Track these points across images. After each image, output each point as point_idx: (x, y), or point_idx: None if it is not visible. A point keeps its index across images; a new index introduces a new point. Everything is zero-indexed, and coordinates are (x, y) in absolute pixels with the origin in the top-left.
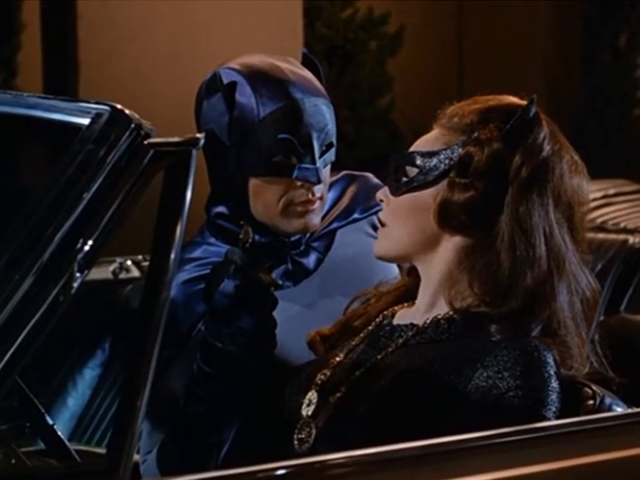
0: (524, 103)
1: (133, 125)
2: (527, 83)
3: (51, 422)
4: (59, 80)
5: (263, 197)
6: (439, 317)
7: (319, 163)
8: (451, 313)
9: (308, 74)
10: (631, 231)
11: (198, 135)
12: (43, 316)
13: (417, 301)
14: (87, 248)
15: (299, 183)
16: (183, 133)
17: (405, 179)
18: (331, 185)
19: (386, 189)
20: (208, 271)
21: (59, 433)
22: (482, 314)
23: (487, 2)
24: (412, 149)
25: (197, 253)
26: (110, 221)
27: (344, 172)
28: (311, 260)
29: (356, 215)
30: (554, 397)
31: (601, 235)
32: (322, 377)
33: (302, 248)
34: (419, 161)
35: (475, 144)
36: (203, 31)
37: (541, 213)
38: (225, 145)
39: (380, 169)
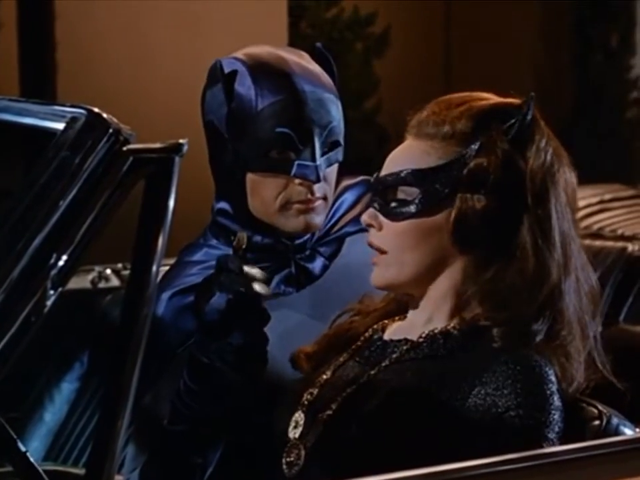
0: (516, 101)
1: (110, 130)
2: (517, 83)
3: (23, 449)
4: (36, 82)
5: (261, 193)
6: (435, 331)
7: (319, 161)
8: (449, 326)
9: (316, 68)
10: (629, 238)
11: (181, 141)
12: (12, 337)
13: (410, 315)
14: (61, 263)
15: (297, 181)
16: (166, 137)
17: (403, 202)
18: (347, 189)
19: (373, 212)
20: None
21: (32, 460)
22: (487, 324)
23: (475, 2)
24: (399, 166)
25: (197, 256)
26: (86, 234)
27: (362, 177)
28: (316, 265)
29: None
30: (556, 416)
31: (598, 242)
32: (308, 396)
33: (307, 252)
34: (418, 181)
35: (481, 154)
36: (186, 31)
37: (557, 214)
38: (224, 137)
39: (367, 173)
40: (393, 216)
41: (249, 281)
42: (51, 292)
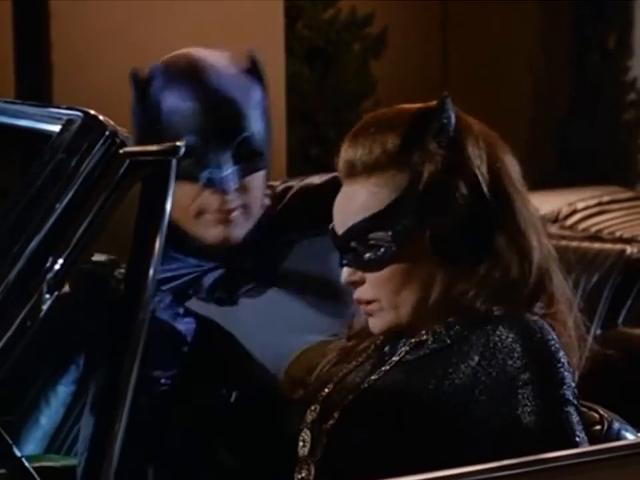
0: (429, 105)
1: (107, 133)
2: (513, 85)
3: (18, 454)
4: (32, 83)
5: (176, 200)
6: (436, 326)
7: (227, 171)
8: (448, 320)
9: (238, 78)
10: (628, 241)
11: (178, 143)
12: (8, 342)
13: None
14: (57, 267)
15: (209, 190)
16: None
17: (377, 249)
18: (312, 188)
19: (350, 270)
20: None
21: (27, 466)
22: (484, 309)
23: (472, 3)
24: (354, 217)
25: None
26: (82, 237)
27: (332, 175)
28: (252, 266)
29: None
30: (568, 373)
31: (597, 245)
32: (312, 413)
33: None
34: (381, 224)
35: (426, 170)
36: (183, 31)
37: (517, 203)
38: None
39: None
40: (372, 266)
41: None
42: (47, 296)
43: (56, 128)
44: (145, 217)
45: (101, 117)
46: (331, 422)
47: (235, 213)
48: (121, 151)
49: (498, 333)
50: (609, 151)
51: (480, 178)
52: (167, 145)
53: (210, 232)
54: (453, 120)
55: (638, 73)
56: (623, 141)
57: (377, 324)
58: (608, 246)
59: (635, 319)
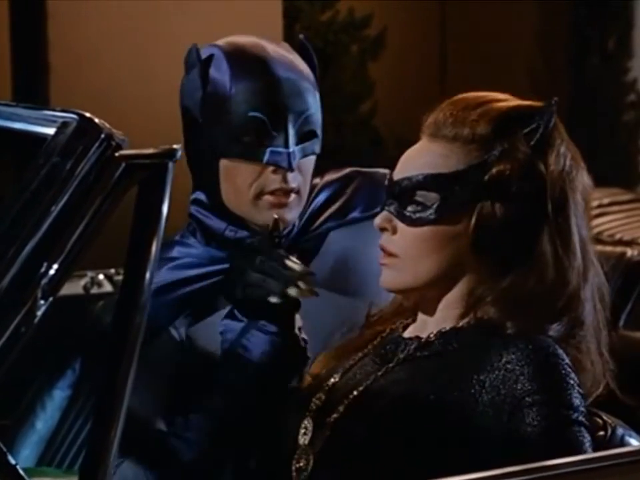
0: (537, 104)
1: (102, 136)
2: (512, 86)
3: (13, 462)
4: (28, 84)
5: (233, 181)
6: (447, 328)
7: (292, 148)
8: (461, 323)
9: (296, 57)
10: (629, 243)
11: (175, 146)
12: (2, 348)
13: (420, 317)
14: (52, 272)
15: (271, 169)
16: (161, 142)
17: (422, 207)
18: (329, 182)
19: (388, 216)
20: (181, 274)
21: (22, 474)
22: (500, 321)
23: (471, 3)
24: (417, 169)
25: (169, 253)
26: (78, 242)
27: (350, 169)
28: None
29: (355, 214)
30: (577, 396)
31: (597, 247)
32: (317, 401)
33: (284, 248)
34: (437, 186)
35: (503, 159)
36: (181, 33)
37: (576, 221)
38: (198, 122)
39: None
40: (410, 221)
41: (292, 278)
42: (42, 302)
43: (51, 131)
44: (141, 222)
45: (96, 120)
46: (335, 415)
47: (292, 197)
48: (116, 154)
49: (509, 352)
50: (609, 152)
51: (548, 186)
52: (164, 147)
53: (264, 215)
54: (550, 125)
55: (638, 74)
56: (622, 142)
57: (387, 279)
58: (608, 249)
59: (636, 322)
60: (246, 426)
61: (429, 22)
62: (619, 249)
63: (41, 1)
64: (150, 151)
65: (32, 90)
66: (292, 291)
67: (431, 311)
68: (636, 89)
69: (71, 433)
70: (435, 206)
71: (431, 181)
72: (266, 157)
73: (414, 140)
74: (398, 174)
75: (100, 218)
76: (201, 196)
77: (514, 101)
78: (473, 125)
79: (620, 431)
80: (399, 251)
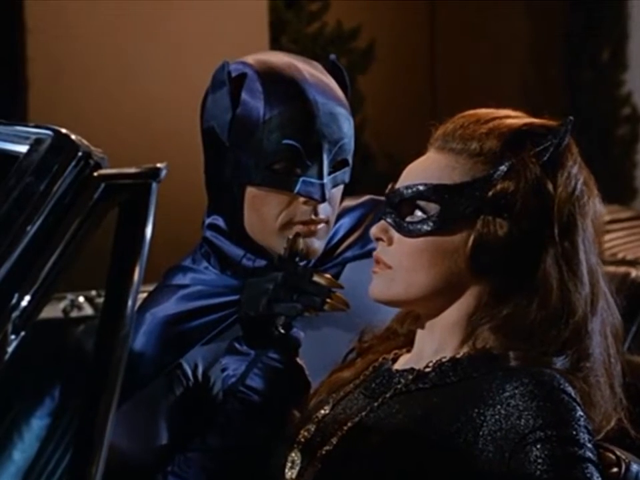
0: (550, 123)
1: (80, 153)
2: (505, 101)
3: None
4: (6, 98)
5: (260, 209)
6: (444, 360)
7: (326, 179)
8: (459, 355)
9: (331, 81)
10: (632, 263)
11: (159, 165)
12: None
13: (417, 345)
14: (24, 303)
15: (301, 199)
16: (144, 159)
17: (420, 217)
18: (350, 210)
19: (385, 226)
20: (192, 305)
21: None
22: (501, 351)
23: (462, 16)
24: (419, 179)
25: (181, 279)
26: (53, 269)
27: (368, 196)
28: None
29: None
30: (585, 432)
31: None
32: (305, 433)
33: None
34: (439, 197)
35: (510, 176)
36: (164, 46)
37: (584, 247)
38: (224, 145)
39: (350, 193)
40: (407, 231)
41: (323, 291)
42: (12, 336)
43: (23, 148)
44: (122, 247)
45: (72, 136)
46: (327, 448)
47: (321, 226)
48: (95, 174)
49: (512, 385)
50: (604, 166)
51: (556, 207)
52: (147, 166)
53: None
54: (563, 144)
55: (632, 87)
56: (617, 156)
57: (376, 288)
58: (611, 269)
59: None
60: (246, 463)
61: (419, 35)
62: (622, 269)
63: (20, 15)
64: (132, 170)
65: (10, 104)
66: (323, 305)
67: (426, 336)
68: (631, 102)
69: (50, 464)
70: (434, 217)
71: (432, 191)
72: (297, 187)
73: (404, 155)
74: (400, 183)
75: (77, 243)
76: (218, 220)
77: (527, 119)
78: (482, 139)
79: (635, 467)
80: (393, 261)
